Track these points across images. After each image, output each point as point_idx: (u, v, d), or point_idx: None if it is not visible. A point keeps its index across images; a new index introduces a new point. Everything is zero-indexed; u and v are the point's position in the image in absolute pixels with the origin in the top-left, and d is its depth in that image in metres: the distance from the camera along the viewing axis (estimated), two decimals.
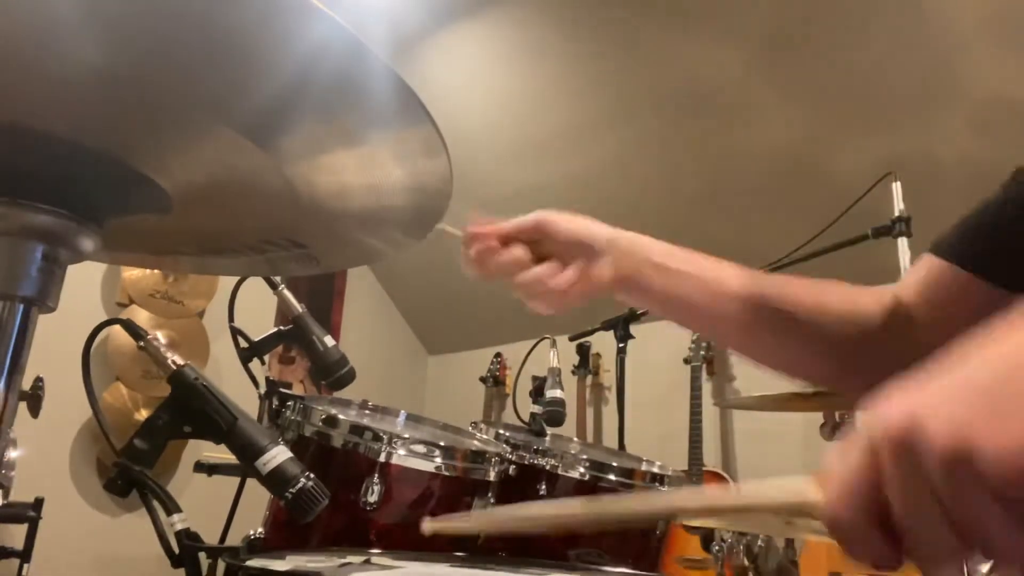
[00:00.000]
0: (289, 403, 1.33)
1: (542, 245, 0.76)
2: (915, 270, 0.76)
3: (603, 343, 3.26)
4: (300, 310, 1.43)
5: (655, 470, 1.58)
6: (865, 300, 0.76)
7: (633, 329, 2.39)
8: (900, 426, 0.34)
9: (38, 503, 1.46)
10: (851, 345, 0.75)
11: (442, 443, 1.28)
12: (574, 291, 0.74)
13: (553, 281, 0.74)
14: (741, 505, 0.45)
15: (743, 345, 0.81)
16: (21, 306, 0.55)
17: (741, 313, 0.75)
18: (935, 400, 0.34)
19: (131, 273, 3.46)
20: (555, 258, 0.76)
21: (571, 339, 2.87)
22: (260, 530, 1.24)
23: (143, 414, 3.37)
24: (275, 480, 0.90)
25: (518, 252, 0.74)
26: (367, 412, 1.49)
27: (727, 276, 0.77)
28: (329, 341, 1.43)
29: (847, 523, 0.36)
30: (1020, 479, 0.31)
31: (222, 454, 1.03)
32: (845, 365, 0.76)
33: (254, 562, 0.97)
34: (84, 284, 3.42)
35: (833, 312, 0.75)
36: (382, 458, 1.21)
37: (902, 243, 1.92)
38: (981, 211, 0.73)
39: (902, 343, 0.73)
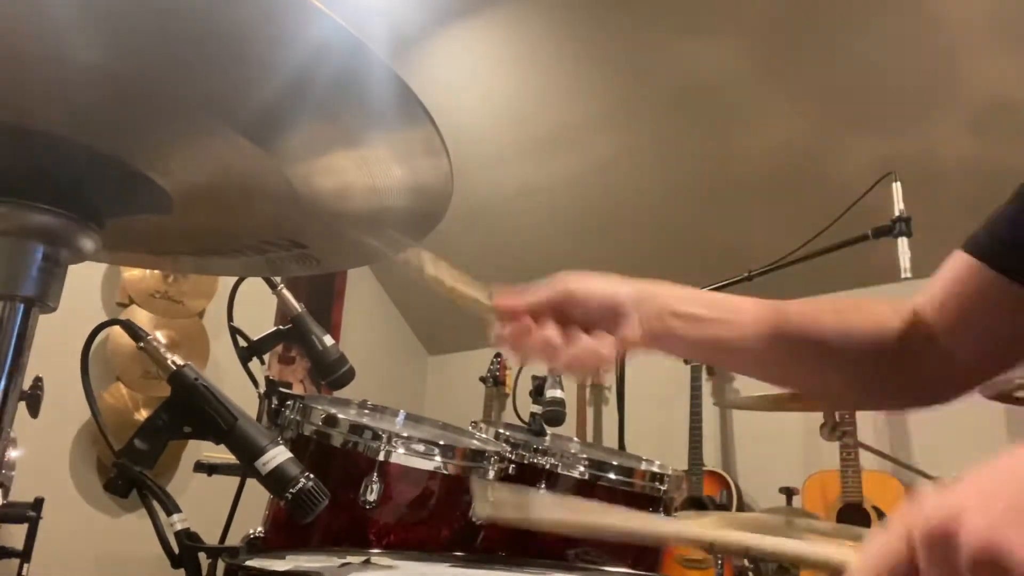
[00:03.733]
0: (288, 402, 1.33)
1: (568, 312, 0.75)
2: (942, 270, 0.76)
3: None
4: (299, 310, 1.43)
5: (655, 469, 1.58)
6: (885, 315, 0.77)
7: None
8: (938, 520, 0.36)
9: (38, 503, 1.46)
10: (873, 363, 0.76)
11: (441, 442, 1.28)
12: (608, 357, 0.74)
13: (590, 357, 0.73)
14: (780, 553, 0.49)
15: (774, 375, 0.82)
16: (21, 306, 0.54)
17: (769, 347, 0.76)
18: (973, 501, 0.36)
19: (131, 273, 3.46)
20: (580, 323, 0.75)
21: None
22: (260, 530, 1.24)
23: (143, 414, 3.37)
24: (275, 480, 0.90)
25: (551, 333, 0.72)
26: (366, 411, 1.49)
27: (750, 312, 0.77)
28: (328, 340, 1.43)
29: None
30: None
31: (222, 454, 1.03)
32: (869, 383, 0.77)
33: (254, 562, 0.97)
34: (84, 284, 3.42)
35: (856, 334, 0.76)
36: (381, 457, 1.21)
37: (902, 243, 1.92)
38: (1011, 209, 0.72)
39: (921, 355, 0.74)
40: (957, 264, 0.74)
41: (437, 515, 1.28)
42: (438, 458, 1.26)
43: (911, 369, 0.74)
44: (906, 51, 2.40)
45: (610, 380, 3.52)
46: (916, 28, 2.35)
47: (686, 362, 3.16)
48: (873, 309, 0.78)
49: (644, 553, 1.53)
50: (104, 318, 1.07)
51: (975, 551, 0.34)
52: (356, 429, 1.24)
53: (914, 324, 0.75)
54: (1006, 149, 2.29)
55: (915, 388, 0.76)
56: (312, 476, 0.91)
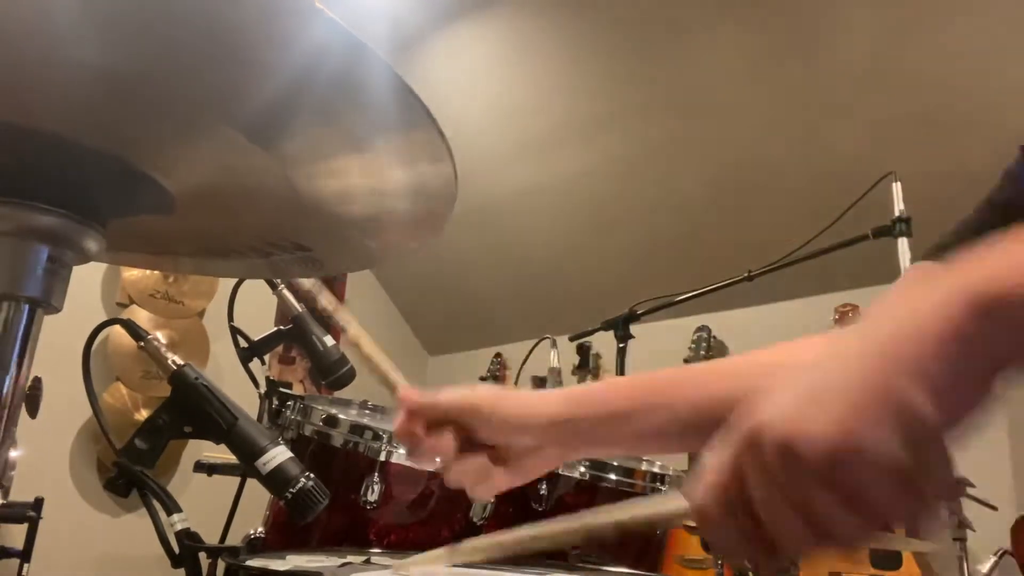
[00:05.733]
0: (289, 403, 1.33)
1: (475, 428, 0.65)
2: (901, 280, 0.72)
3: (603, 343, 3.26)
4: (300, 310, 1.43)
5: (655, 469, 1.58)
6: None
7: (633, 329, 2.39)
8: (751, 428, 0.39)
9: (38, 503, 1.46)
10: None
11: None
12: (504, 483, 0.67)
13: (482, 481, 0.66)
14: (618, 521, 0.50)
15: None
16: (27, 307, 0.55)
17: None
18: (778, 401, 0.39)
19: (131, 273, 3.46)
20: (487, 441, 0.66)
21: (571, 339, 2.87)
22: (260, 530, 1.24)
23: (143, 414, 3.37)
24: (275, 480, 0.90)
25: (446, 441, 0.65)
26: (367, 412, 1.49)
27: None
28: (329, 341, 1.43)
29: (712, 518, 0.41)
30: (834, 461, 0.36)
31: (222, 454, 1.03)
32: None
33: (254, 562, 0.97)
34: (84, 284, 3.42)
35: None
36: (382, 457, 1.21)
37: (902, 243, 1.92)
38: (974, 216, 0.72)
39: None
40: (916, 272, 0.71)
41: (437, 515, 1.28)
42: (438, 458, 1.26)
43: None
44: (906, 50, 2.40)
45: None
46: (916, 26, 2.35)
47: (686, 361, 3.16)
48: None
49: (644, 553, 1.54)
50: (104, 318, 1.07)
51: (774, 445, 0.37)
52: (357, 429, 1.24)
53: None
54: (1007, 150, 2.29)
55: None
56: (312, 476, 0.91)
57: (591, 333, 2.67)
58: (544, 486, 1.45)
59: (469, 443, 0.65)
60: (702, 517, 0.41)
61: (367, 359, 0.72)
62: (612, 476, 1.49)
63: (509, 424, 0.65)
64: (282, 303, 1.44)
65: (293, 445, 1.23)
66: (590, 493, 1.49)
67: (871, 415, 0.36)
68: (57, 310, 0.56)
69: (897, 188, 1.99)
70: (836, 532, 0.38)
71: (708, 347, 3.18)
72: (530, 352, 1.85)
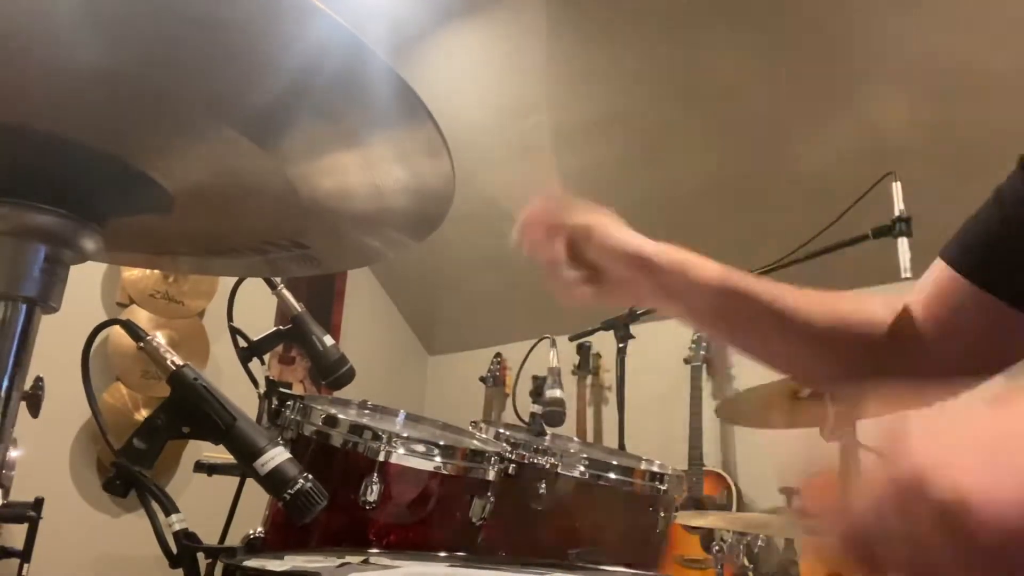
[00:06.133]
0: (289, 403, 1.33)
1: (584, 248, 0.80)
2: (927, 275, 0.77)
3: (603, 343, 3.26)
4: (299, 309, 1.43)
5: (655, 469, 1.58)
6: (876, 309, 0.78)
7: (633, 329, 2.39)
8: (907, 474, 0.35)
9: (38, 503, 1.46)
10: (864, 354, 0.76)
11: (441, 442, 1.28)
12: (587, 297, 0.82)
13: (572, 289, 0.81)
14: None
15: (725, 333, 0.86)
16: (24, 306, 0.54)
17: (715, 301, 0.81)
18: (943, 450, 0.35)
19: (131, 273, 3.46)
20: (591, 262, 0.81)
21: (571, 339, 2.88)
22: (259, 530, 1.24)
23: (143, 414, 3.37)
24: (273, 481, 0.89)
25: (559, 251, 0.80)
26: (366, 412, 1.49)
27: (706, 267, 0.84)
28: (328, 340, 1.42)
29: (834, 542, 0.39)
30: (1006, 535, 0.32)
31: (222, 454, 1.03)
32: (859, 375, 0.77)
33: (252, 562, 0.97)
34: (84, 284, 3.42)
35: (846, 322, 0.78)
36: (381, 457, 1.21)
37: (902, 243, 1.92)
38: (978, 219, 0.74)
39: (909, 354, 0.74)
40: (939, 271, 0.75)
41: (437, 515, 1.28)
42: (438, 458, 1.26)
43: (898, 366, 0.75)
44: (905, 48, 2.40)
45: (610, 380, 3.52)
46: (917, 26, 2.35)
47: (686, 362, 3.16)
48: (864, 302, 0.80)
49: (643, 553, 1.53)
50: (104, 318, 1.06)
51: (941, 501, 0.33)
52: (356, 429, 1.24)
53: (904, 321, 0.76)
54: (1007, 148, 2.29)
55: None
56: (310, 477, 0.90)
57: (591, 333, 2.67)
58: (543, 485, 1.45)
59: (573, 257, 0.81)
60: (824, 541, 0.39)
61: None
62: (612, 476, 1.49)
63: (607, 246, 0.80)
64: (282, 303, 1.44)
65: (293, 445, 1.23)
66: (589, 493, 1.49)
67: None
68: (55, 310, 0.56)
69: (897, 188, 1.99)
70: None
71: (708, 347, 3.18)
72: (530, 352, 1.85)
